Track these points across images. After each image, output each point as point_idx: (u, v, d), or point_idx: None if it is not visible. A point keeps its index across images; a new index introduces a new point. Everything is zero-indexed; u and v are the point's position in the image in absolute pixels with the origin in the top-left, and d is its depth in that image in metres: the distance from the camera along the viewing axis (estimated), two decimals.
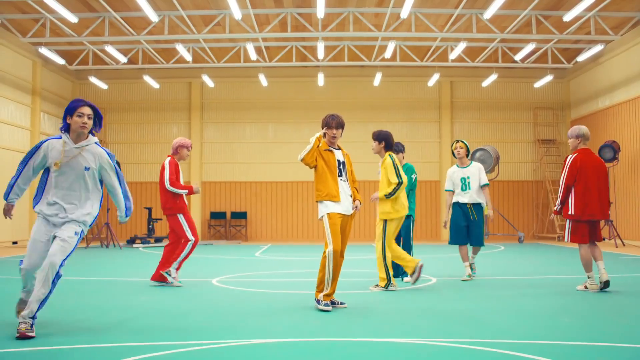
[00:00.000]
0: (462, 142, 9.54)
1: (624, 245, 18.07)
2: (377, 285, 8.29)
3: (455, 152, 9.50)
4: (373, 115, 23.82)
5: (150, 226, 20.40)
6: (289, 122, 23.78)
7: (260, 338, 5.16)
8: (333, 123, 6.89)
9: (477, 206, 9.41)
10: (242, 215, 23.44)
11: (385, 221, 8.16)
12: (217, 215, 23.56)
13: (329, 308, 6.52)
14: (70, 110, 5.49)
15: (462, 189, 9.44)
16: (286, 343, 5.00)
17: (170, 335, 5.33)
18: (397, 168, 8.06)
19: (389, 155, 8.14)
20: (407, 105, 23.95)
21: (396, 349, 4.79)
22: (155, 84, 22.58)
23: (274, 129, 23.81)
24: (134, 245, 19.30)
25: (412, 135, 23.72)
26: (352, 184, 6.95)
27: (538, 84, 22.70)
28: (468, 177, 9.43)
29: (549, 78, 21.83)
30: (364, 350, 4.75)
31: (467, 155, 9.56)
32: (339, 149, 7.03)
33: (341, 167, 6.89)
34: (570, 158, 8.10)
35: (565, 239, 8.20)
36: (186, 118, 23.97)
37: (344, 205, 6.76)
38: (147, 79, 21.74)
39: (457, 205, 9.48)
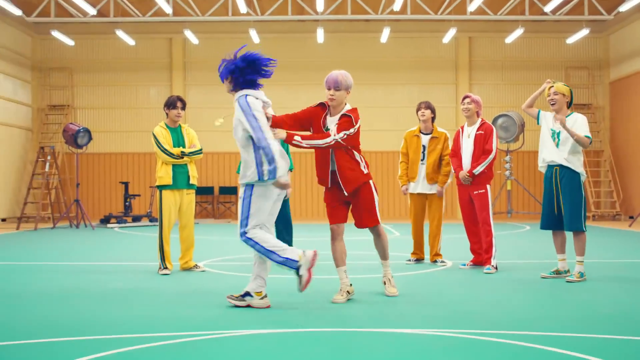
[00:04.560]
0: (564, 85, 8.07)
1: None
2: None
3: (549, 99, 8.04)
4: (380, 77, 23.75)
5: (126, 203, 20.49)
6: (284, 85, 23.67)
7: (256, 328, 5.33)
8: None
9: (566, 171, 7.99)
10: (231, 191, 23.45)
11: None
12: (203, 191, 23.41)
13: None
14: None
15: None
16: (284, 334, 5.17)
17: (154, 326, 5.48)
18: None
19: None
20: (419, 66, 23.90)
21: (406, 340, 4.97)
22: (130, 41, 22.42)
23: (268, 92, 22.74)
24: (109, 225, 19.42)
25: (425, 99, 23.25)
26: None
27: (571, 40, 22.50)
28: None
29: (584, 32, 21.47)
30: (369, 342, 4.93)
31: (568, 106, 8.08)
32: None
33: None
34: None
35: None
36: (167, 80, 23.95)
37: None
38: (120, 34, 21.63)
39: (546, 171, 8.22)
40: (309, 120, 6.68)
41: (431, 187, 9.67)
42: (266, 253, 6.10)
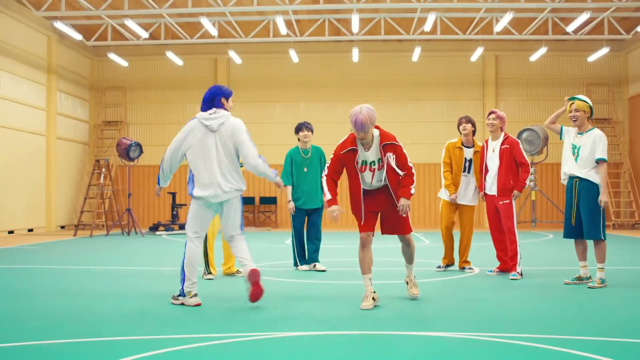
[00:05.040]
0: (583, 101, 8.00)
1: None
2: None
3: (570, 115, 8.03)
4: (411, 93, 23.75)
5: (174, 212, 20.67)
6: (322, 101, 23.81)
7: (291, 331, 5.34)
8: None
9: (585, 182, 7.90)
10: (271, 201, 23.47)
11: None
12: (244, 201, 23.31)
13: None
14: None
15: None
16: (316, 336, 5.16)
17: (196, 327, 5.52)
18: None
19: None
20: (448, 82, 23.84)
21: (434, 342, 4.93)
22: (178, 61, 22.75)
23: (306, 107, 23.77)
24: (157, 233, 19.60)
25: (454, 114, 23.19)
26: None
27: (592, 58, 22.34)
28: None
29: (604, 51, 21.42)
30: (398, 344, 4.90)
31: (589, 119, 8.03)
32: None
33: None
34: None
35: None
36: None
37: None
38: (170, 55, 21.91)
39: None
40: (344, 168, 6.63)
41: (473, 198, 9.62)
42: (182, 263, 6.73)
